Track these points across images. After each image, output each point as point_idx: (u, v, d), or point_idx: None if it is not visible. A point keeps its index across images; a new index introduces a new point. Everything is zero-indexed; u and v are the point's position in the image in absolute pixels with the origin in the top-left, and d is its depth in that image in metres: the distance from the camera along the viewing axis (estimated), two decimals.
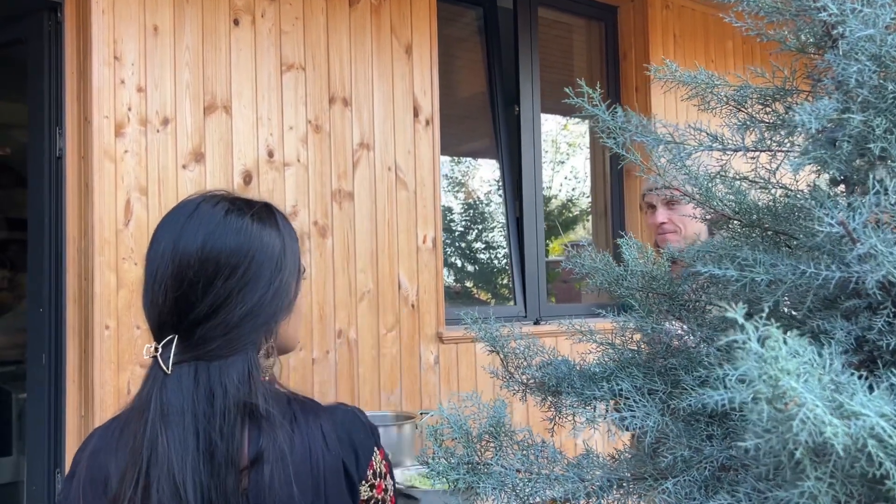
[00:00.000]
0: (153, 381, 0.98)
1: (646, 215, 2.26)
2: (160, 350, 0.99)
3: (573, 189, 4.61)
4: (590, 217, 4.54)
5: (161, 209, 2.64)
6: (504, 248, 4.01)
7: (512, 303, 3.83)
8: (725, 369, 0.83)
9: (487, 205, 4.20)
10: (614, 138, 1.14)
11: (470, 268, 4.31)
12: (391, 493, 1.11)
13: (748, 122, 1.13)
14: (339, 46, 3.08)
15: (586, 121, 4.40)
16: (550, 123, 4.37)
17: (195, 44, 2.75)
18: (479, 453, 1.13)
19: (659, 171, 1.16)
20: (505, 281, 4.13)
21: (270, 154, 2.89)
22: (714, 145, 1.04)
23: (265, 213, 1.06)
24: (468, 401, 1.23)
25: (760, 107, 1.16)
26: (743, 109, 1.20)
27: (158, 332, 1.01)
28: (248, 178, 2.83)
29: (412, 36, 3.29)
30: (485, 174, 4.11)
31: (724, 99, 1.22)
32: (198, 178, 2.73)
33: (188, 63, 2.73)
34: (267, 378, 1.04)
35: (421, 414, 2.88)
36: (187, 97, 2.72)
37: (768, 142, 1.08)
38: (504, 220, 3.93)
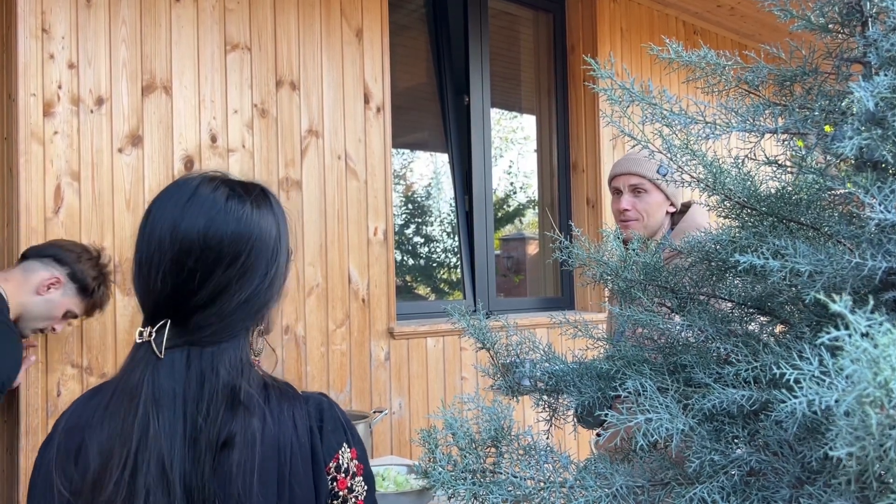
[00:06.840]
0: (145, 364, 0.95)
1: (613, 200, 2.20)
2: (153, 335, 0.97)
3: (511, 183, 4.54)
4: (527, 211, 4.49)
5: (95, 196, 2.44)
6: (445, 242, 3.92)
7: (461, 297, 3.75)
8: (790, 366, 0.76)
9: (430, 198, 4.10)
10: (628, 119, 1.06)
11: (412, 262, 4.19)
12: (359, 497, 1.05)
13: (766, 105, 1.07)
14: (287, 27, 2.93)
15: (526, 114, 4.35)
16: (496, 116, 4.30)
17: (132, 18, 2.55)
18: (483, 460, 1.04)
19: (671, 155, 1.08)
20: (446, 276, 4.04)
21: (213, 139, 2.71)
22: (746, 126, 0.97)
23: (262, 197, 1.04)
24: (466, 403, 1.13)
25: (777, 88, 1.10)
26: (755, 92, 1.14)
27: (152, 318, 0.99)
28: (189, 164, 2.65)
29: (363, 19, 3.15)
30: (432, 166, 4.00)
31: (735, 80, 1.16)
32: (135, 162, 2.53)
33: (125, 39, 2.53)
34: (257, 361, 1.04)
35: (374, 412, 2.76)
36: (124, 76, 2.52)
37: (791, 126, 1.02)
38: (450, 214, 3.84)
